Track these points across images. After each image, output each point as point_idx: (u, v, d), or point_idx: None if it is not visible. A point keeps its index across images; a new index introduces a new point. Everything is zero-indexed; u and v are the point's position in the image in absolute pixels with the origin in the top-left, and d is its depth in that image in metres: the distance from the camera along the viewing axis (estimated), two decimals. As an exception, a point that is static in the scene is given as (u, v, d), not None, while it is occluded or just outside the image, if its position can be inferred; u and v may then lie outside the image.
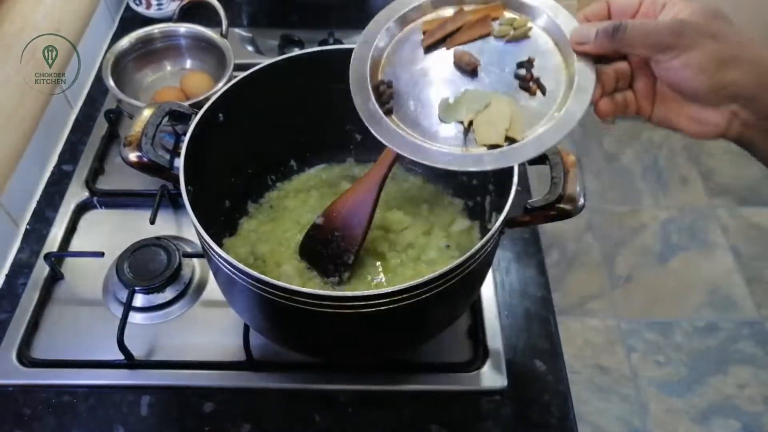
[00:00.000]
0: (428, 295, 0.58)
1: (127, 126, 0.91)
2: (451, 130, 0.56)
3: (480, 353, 0.77)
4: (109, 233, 0.90)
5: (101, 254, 0.83)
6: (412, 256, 0.81)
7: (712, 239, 2.05)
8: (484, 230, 0.80)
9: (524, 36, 0.57)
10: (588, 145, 2.32)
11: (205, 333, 0.80)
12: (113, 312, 0.81)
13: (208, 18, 1.19)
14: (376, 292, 0.56)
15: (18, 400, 0.74)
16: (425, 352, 0.77)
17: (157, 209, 0.86)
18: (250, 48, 1.19)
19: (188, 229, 0.90)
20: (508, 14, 0.58)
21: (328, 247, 0.75)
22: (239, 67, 0.88)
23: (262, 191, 0.87)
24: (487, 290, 0.83)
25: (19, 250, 0.88)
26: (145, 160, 0.65)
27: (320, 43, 1.15)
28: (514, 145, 0.54)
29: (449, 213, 0.84)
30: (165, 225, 0.90)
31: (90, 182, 0.95)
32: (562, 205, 0.62)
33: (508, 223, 0.63)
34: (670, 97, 0.53)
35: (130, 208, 0.93)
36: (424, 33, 0.60)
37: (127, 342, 0.75)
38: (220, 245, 0.75)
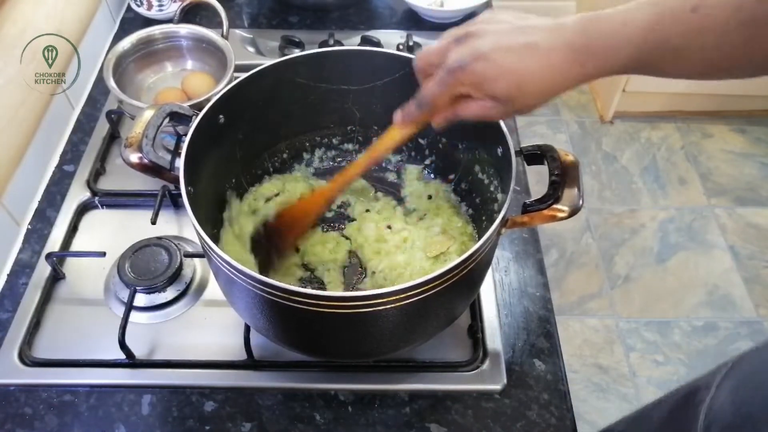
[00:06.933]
0: (428, 294, 0.58)
1: (129, 127, 0.91)
2: None
3: (479, 352, 0.78)
4: (110, 233, 0.91)
5: (103, 254, 0.84)
6: (412, 256, 0.82)
7: (711, 239, 2.05)
8: (483, 230, 0.80)
9: None
10: (586, 145, 2.33)
11: (206, 332, 0.80)
12: (114, 312, 0.81)
13: (209, 19, 1.20)
14: (376, 292, 0.56)
15: (19, 399, 0.74)
16: (425, 351, 0.77)
17: (158, 209, 0.86)
18: (250, 49, 1.19)
19: (189, 229, 0.91)
20: None
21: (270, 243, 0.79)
22: (240, 68, 0.89)
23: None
24: (487, 290, 0.84)
25: (21, 250, 0.88)
26: (145, 161, 0.65)
27: (320, 45, 1.15)
28: None
29: (449, 213, 0.84)
30: (166, 225, 0.90)
31: (91, 182, 0.95)
32: (560, 206, 0.62)
33: (507, 223, 0.64)
34: None
35: (132, 208, 0.93)
36: None
37: (128, 341, 0.75)
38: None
